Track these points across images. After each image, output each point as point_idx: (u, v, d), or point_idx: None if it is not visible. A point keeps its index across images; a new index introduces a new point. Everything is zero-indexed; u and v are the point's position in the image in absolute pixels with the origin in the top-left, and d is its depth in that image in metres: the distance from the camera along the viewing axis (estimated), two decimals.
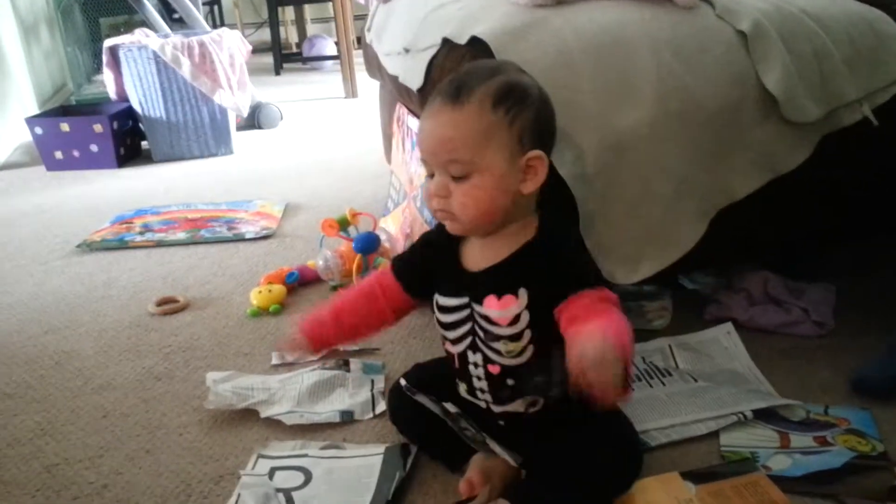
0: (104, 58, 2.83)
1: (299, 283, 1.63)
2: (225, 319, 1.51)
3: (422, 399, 0.96)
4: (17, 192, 2.57)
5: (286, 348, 1.05)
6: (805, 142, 1.21)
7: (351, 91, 3.99)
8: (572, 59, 1.12)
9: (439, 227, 0.95)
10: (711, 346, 1.25)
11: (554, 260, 0.88)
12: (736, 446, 1.01)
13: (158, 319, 1.53)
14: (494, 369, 0.92)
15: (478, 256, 0.92)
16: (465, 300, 0.92)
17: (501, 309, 0.88)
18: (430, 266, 0.97)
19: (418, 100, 1.37)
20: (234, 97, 2.86)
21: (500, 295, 0.88)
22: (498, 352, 0.90)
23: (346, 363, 1.27)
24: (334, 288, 1.60)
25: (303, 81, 4.63)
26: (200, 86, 2.76)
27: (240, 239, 1.97)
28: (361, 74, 3.39)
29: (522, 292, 0.87)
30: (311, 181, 2.49)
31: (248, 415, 1.15)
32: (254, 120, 3.26)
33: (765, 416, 1.06)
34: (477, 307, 0.91)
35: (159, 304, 1.57)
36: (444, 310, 0.95)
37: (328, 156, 2.81)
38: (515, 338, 0.89)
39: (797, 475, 0.94)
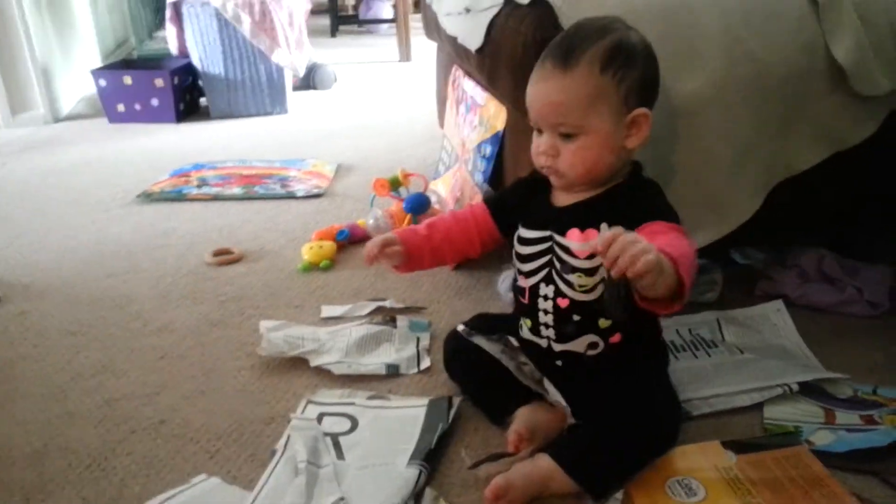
0: (167, 13, 2.89)
1: (349, 240, 1.66)
2: (277, 272, 1.55)
3: (479, 340, 1.01)
4: (81, 142, 2.66)
5: (376, 249, 0.99)
6: (872, 116, 1.18)
7: (405, 55, 3.99)
8: (637, 21, 1.09)
9: (534, 172, 0.99)
10: (760, 322, 1.24)
11: (639, 203, 0.92)
12: (779, 419, 1.01)
13: (214, 269, 1.58)
14: (563, 302, 0.94)
15: (567, 195, 0.96)
16: (547, 233, 0.95)
17: (583, 241, 0.91)
18: (520, 202, 1.02)
19: (477, 60, 1.37)
20: (291, 56, 2.89)
21: (583, 228, 0.92)
22: (570, 284, 0.93)
23: (393, 320, 1.30)
24: None
25: (358, 44, 4.65)
26: (259, 44, 2.79)
27: (292, 196, 2.00)
28: (416, 38, 3.39)
29: (604, 227, 0.87)
30: (363, 143, 2.51)
31: (298, 363, 1.19)
32: (309, 81, 3.29)
33: (810, 391, 1.06)
34: (559, 238, 0.94)
35: (215, 254, 1.62)
36: (526, 241, 0.98)
37: (381, 118, 2.83)
38: (591, 272, 0.91)
39: (841, 451, 0.94)
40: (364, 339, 1.24)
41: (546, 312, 0.96)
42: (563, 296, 0.94)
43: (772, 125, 1.15)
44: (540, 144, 0.93)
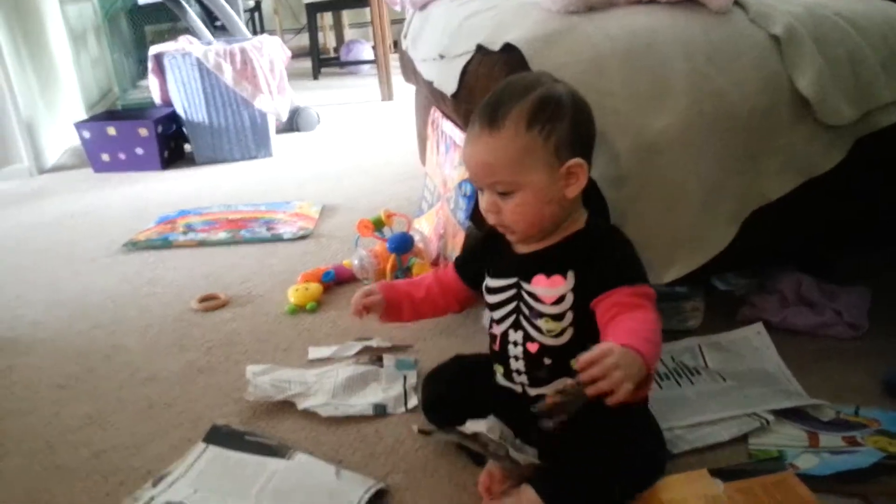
0: (149, 64, 2.93)
1: (335, 281, 1.67)
2: (264, 316, 1.56)
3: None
4: (67, 193, 2.67)
5: (359, 300, 1.07)
6: (839, 144, 1.21)
7: (387, 94, 4.04)
8: (605, 64, 1.14)
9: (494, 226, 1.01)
10: (742, 346, 1.26)
11: (600, 249, 0.94)
12: (764, 444, 1.02)
13: (201, 315, 1.58)
14: (533, 347, 0.96)
15: (527, 245, 0.99)
16: (513, 280, 0.98)
17: (550, 287, 0.94)
18: (484, 255, 1.05)
19: (452, 104, 1.40)
20: (273, 102, 2.92)
21: (549, 274, 0.94)
22: (539, 329, 0.95)
23: (380, 359, 1.31)
24: None
25: (340, 85, 4.70)
26: (242, 91, 2.83)
27: (278, 239, 2.02)
28: (397, 78, 3.43)
29: (570, 274, 0.93)
30: (347, 183, 2.54)
31: (286, 407, 1.19)
32: (292, 123, 3.33)
33: (794, 415, 1.07)
34: (525, 285, 0.96)
35: (201, 300, 1.63)
36: (493, 291, 1.01)
37: (364, 158, 2.86)
38: (558, 317, 0.94)
39: (825, 474, 0.94)
40: (351, 379, 1.24)
41: (517, 358, 0.98)
42: (533, 340, 0.96)
43: (741, 158, 1.19)
44: (482, 203, 0.96)
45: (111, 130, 2.83)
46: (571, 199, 0.94)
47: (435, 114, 1.74)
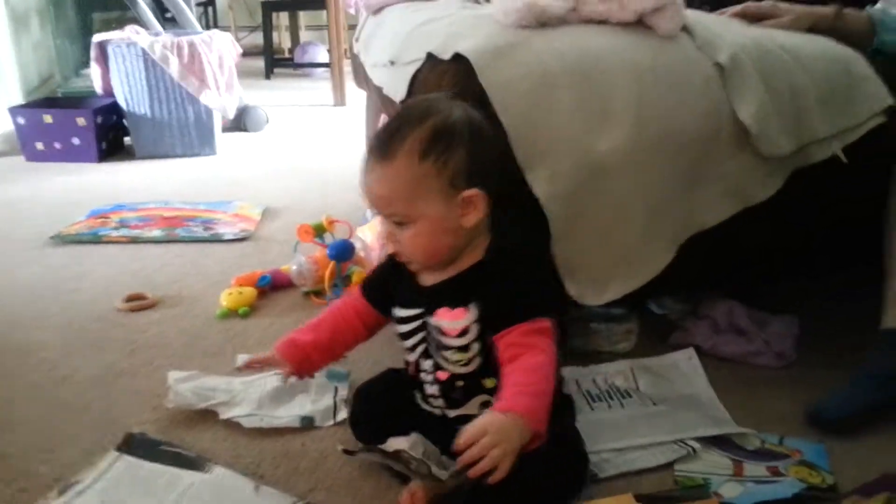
0: (92, 52, 2.83)
1: (271, 287, 1.63)
2: (193, 319, 1.50)
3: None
4: None
5: (261, 363, 1.05)
6: (776, 175, 1.23)
7: (340, 99, 4.00)
8: (553, 81, 1.14)
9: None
10: (672, 371, 1.27)
11: (500, 281, 0.92)
12: (690, 471, 1.02)
13: (125, 315, 1.52)
14: (443, 375, 0.97)
15: (430, 275, 0.97)
16: (419, 311, 0.97)
17: (453, 319, 0.93)
18: (390, 283, 1.02)
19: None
20: (220, 98, 2.86)
21: (452, 307, 0.93)
22: (447, 360, 0.95)
23: None
24: (307, 294, 1.60)
25: (293, 87, 4.64)
26: (188, 85, 2.76)
27: (216, 240, 1.96)
28: (351, 84, 3.40)
29: (473, 306, 0.92)
30: (292, 186, 2.49)
31: (208, 415, 1.15)
32: (240, 122, 3.26)
33: (720, 443, 1.08)
34: (430, 318, 0.95)
35: (128, 300, 1.56)
36: (401, 320, 1.00)
37: (311, 162, 2.81)
38: (463, 349, 0.94)
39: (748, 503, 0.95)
40: (279, 389, 1.20)
41: (430, 384, 0.99)
42: (443, 369, 0.96)
43: (682, 183, 1.20)
44: (382, 231, 0.95)
45: (47, 118, 2.72)
46: (470, 228, 0.92)
47: (384, 120, 1.72)
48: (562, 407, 1.03)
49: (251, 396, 1.18)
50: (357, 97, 3.69)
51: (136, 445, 1.07)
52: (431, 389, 0.99)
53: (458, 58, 1.17)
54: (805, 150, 1.23)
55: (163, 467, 1.02)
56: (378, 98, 1.68)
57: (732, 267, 1.38)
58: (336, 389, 1.22)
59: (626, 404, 1.17)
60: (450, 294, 0.94)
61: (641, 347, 1.34)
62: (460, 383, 0.95)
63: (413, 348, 0.99)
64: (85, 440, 1.10)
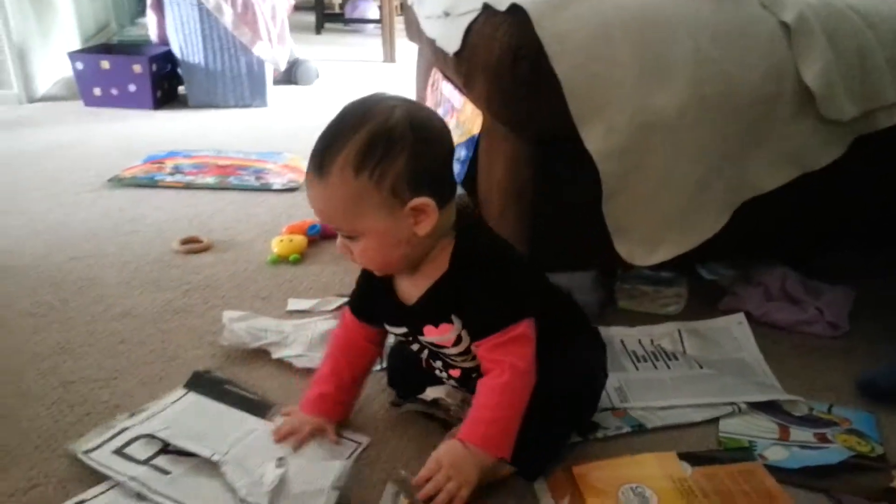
0: (148, 0, 2.86)
1: (320, 236, 1.65)
2: (245, 264, 1.54)
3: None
4: (55, 124, 2.62)
5: (297, 433, 0.96)
6: (838, 140, 1.20)
7: (389, 56, 3.99)
8: (611, 34, 1.11)
9: None
10: (721, 335, 1.26)
11: (467, 293, 0.88)
12: (735, 433, 1.02)
13: (181, 257, 1.56)
14: (455, 373, 0.98)
15: (409, 287, 0.93)
16: (406, 329, 0.96)
17: (442, 334, 0.92)
18: (372, 300, 0.99)
19: (454, 64, 1.37)
20: (272, 50, 2.87)
21: (436, 324, 0.91)
22: (454, 360, 0.96)
23: None
24: None
25: (342, 42, 4.64)
26: (241, 36, 2.78)
27: (266, 189, 1.99)
28: (401, 40, 3.38)
29: (455, 318, 0.90)
30: None
31: (259, 354, 1.18)
32: (290, 75, 3.28)
33: (767, 407, 1.07)
34: (420, 336, 0.95)
35: (183, 242, 1.60)
36: (395, 334, 1.00)
37: None
38: (465, 352, 0.94)
39: (793, 468, 0.95)
40: (328, 333, 1.23)
41: (446, 379, 1.00)
42: (454, 367, 0.97)
43: (739, 145, 1.17)
44: (338, 243, 0.90)
45: (105, 64, 2.77)
46: (426, 236, 0.85)
47: (436, 75, 1.71)
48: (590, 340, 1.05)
49: (301, 339, 1.21)
50: (407, 54, 3.68)
51: (202, 383, 1.09)
52: (449, 381, 1.01)
53: (515, 9, 1.15)
54: (871, 116, 1.20)
55: (228, 408, 1.04)
56: (430, 52, 1.67)
57: (786, 234, 1.36)
58: None
59: (672, 366, 1.17)
60: (428, 312, 0.91)
61: (690, 312, 1.33)
62: (475, 374, 0.94)
63: (419, 351, 0.99)
64: (142, 372, 1.14)
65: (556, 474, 0.93)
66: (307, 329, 1.24)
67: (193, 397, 1.06)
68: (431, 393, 1.03)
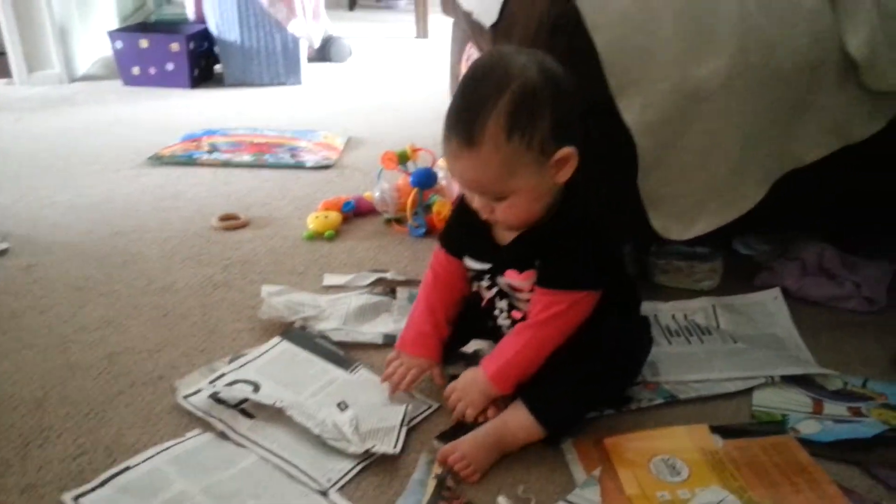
0: None
1: (355, 212, 1.67)
2: (282, 240, 1.56)
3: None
4: (95, 103, 2.67)
5: (404, 378, 1.02)
6: (882, 112, 1.18)
7: (422, 32, 3.97)
8: (653, 3, 1.10)
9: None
10: (756, 310, 1.25)
11: (562, 241, 0.93)
12: (767, 406, 1.02)
13: (220, 233, 1.59)
14: (517, 315, 1.00)
15: (509, 231, 0.97)
16: (488, 266, 1.00)
17: (522, 280, 0.96)
18: (465, 233, 1.02)
19: (490, 37, 1.37)
20: (307, 27, 2.88)
21: (521, 269, 0.96)
22: (522, 303, 0.99)
23: (394, 291, 1.32)
24: (388, 221, 1.64)
25: (375, 19, 4.63)
26: (276, 13, 2.79)
27: (301, 166, 2.01)
28: (434, 16, 3.36)
29: (538, 265, 0.95)
30: (374, 117, 2.52)
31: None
32: (324, 53, 3.29)
33: (800, 381, 1.07)
34: (499, 277, 0.99)
35: (221, 219, 1.63)
36: (474, 269, 1.03)
37: (394, 94, 2.83)
38: None
39: (826, 441, 0.95)
40: (363, 308, 1.25)
41: (504, 319, 1.03)
42: (517, 309, 1.00)
43: (782, 115, 1.15)
44: (475, 203, 0.92)
45: (143, 43, 2.81)
46: (563, 183, 0.90)
47: (471, 49, 1.71)
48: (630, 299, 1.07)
49: (337, 313, 1.23)
50: (440, 30, 3.66)
51: (295, 335, 1.18)
52: (504, 323, 1.02)
53: None
54: None
55: (316, 358, 1.13)
56: (467, 24, 1.66)
57: (823, 209, 1.34)
58: None
59: (705, 340, 1.17)
60: (519, 256, 0.95)
61: (725, 288, 1.32)
62: None
63: (489, 288, 1.02)
64: (184, 344, 1.17)
65: (587, 445, 0.94)
66: (342, 303, 1.26)
67: (286, 345, 1.15)
68: (473, 345, 1.09)
